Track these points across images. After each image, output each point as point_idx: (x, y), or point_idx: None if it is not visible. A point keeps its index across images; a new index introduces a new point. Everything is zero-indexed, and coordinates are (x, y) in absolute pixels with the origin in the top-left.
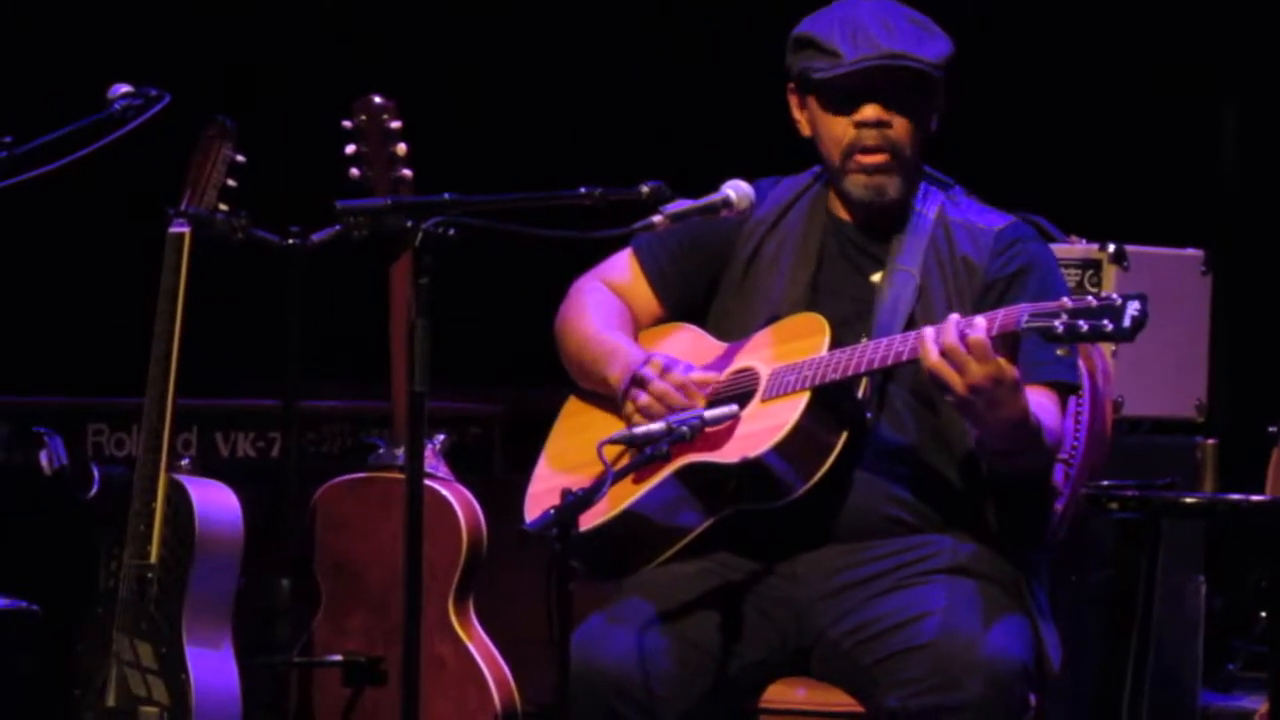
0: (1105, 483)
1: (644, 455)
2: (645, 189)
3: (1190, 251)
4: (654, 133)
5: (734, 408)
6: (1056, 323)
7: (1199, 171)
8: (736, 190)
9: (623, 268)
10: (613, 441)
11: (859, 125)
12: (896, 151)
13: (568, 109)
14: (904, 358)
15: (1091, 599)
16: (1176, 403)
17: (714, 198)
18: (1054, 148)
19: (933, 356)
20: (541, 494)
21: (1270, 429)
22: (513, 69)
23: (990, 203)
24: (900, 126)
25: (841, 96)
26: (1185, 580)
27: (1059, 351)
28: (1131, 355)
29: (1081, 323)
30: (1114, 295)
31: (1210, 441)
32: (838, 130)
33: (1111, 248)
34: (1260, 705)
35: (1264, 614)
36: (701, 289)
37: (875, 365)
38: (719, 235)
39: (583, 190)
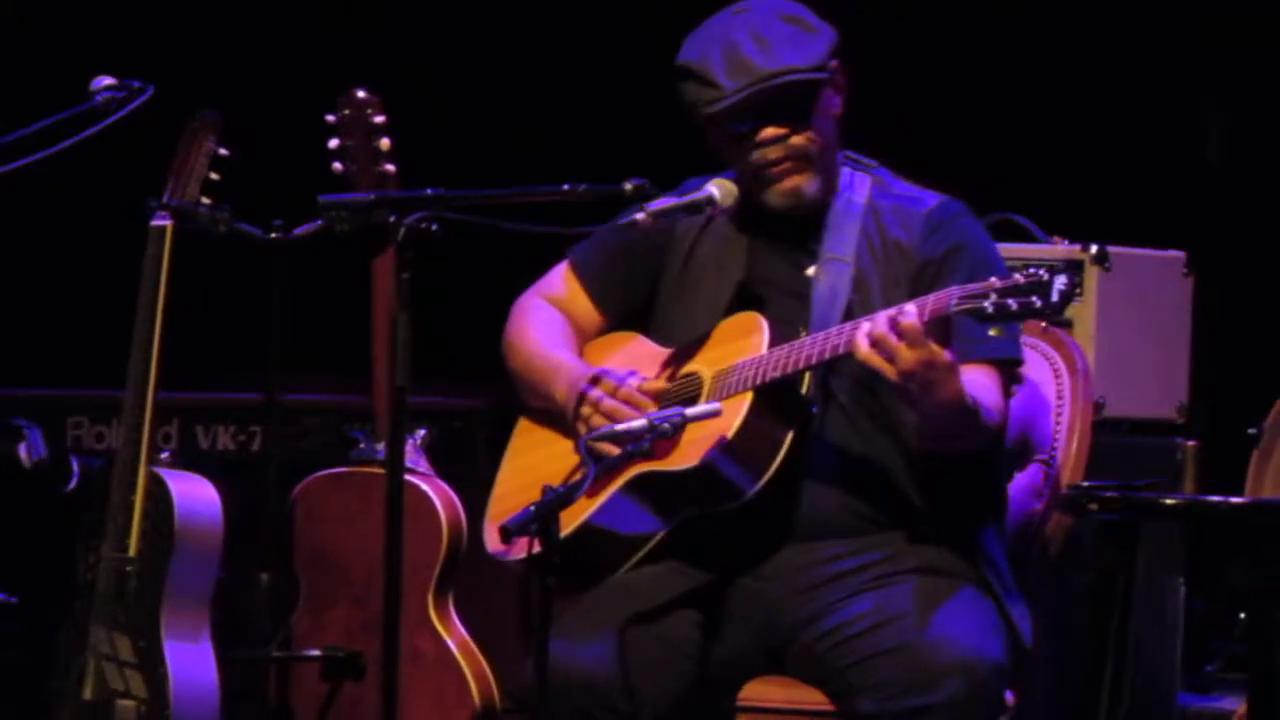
0: (1086, 483)
1: (626, 452)
2: (628, 186)
3: (1172, 253)
4: (639, 129)
5: (717, 405)
6: (986, 303)
7: (1181, 173)
8: (721, 188)
9: (560, 282)
10: (595, 438)
11: (759, 145)
12: (803, 155)
13: (552, 105)
14: (840, 350)
15: (1073, 599)
16: (1157, 404)
17: (698, 195)
18: (1036, 149)
19: (863, 348)
20: (500, 515)
21: (1251, 431)
22: (497, 64)
23: (973, 205)
24: (801, 134)
25: (735, 125)
26: (1165, 581)
27: (991, 332)
28: (1113, 356)
29: (1010, 301)
30: (1041, 271)
31: (1191, 443)
32: (741, 156)
33: (1094, 249)
34: (1239, 706)
35: (1243, 616)
36: (640, 295)
37: (814, 360)
38: (653, 241)
39: (566, 186)
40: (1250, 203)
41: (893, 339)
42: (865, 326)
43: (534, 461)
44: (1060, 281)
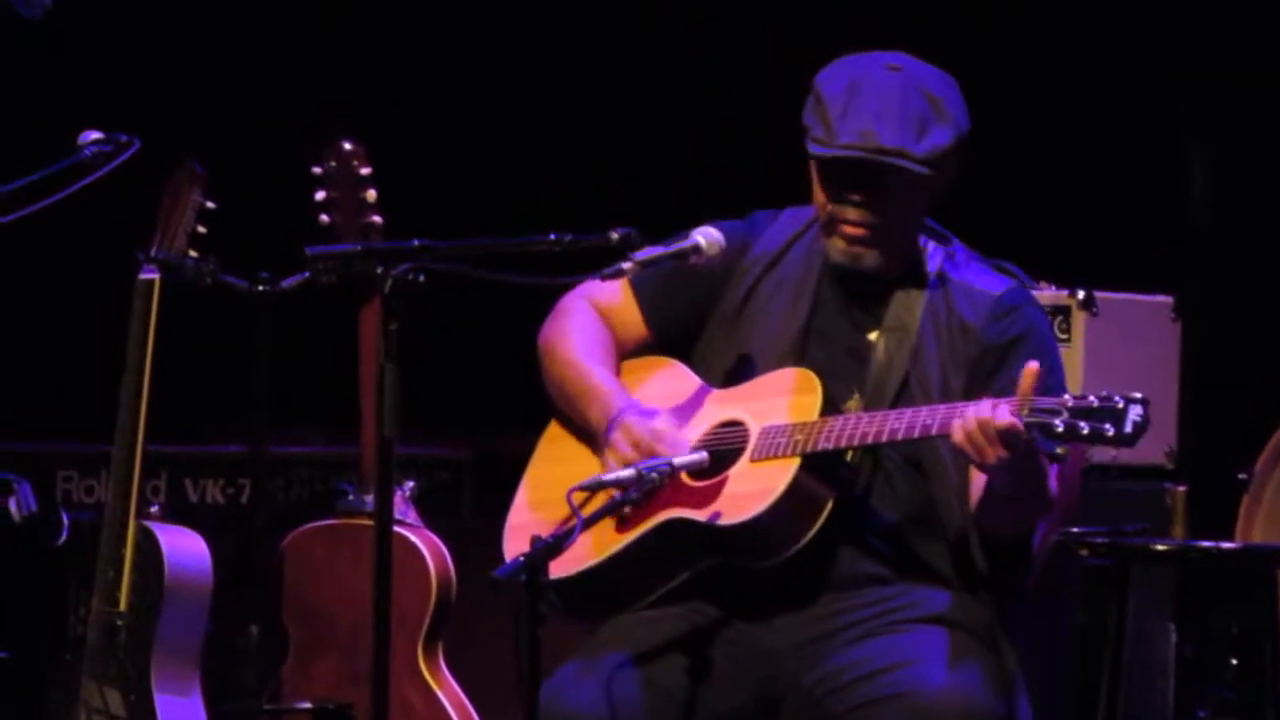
0: (1076, 529)
1: (614, 502)
2: (615, 235)
3: (1160, 298)
4: (626, 178)
5: (703, 455)
6: (1056, 421)
7: (1168, 217)
8: (706, 237)
9: (613, 289)
10: (583, 488)
11: (843, 201)
12: (879, 230)
13: (538, 155)
14: (898, 437)
15: (1063, 644)
16: (1147, 449)
17: (684, 244)
18: (1023, 194)
19: (958, 436)
20: (519, 526)
21: (1240, 476)
22: (484, 115)
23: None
24: (886, 215)
25: (830, 174)
26: (1155, 626)
27: (1058, 449)
28: None
29: (1081, 424)
30: (1116, 396)
31: (1181, 488)
32: (824, 197)
33: (1081, 294)
34: None
35: (1235, 661)
36: (692, 319)
37: (869, 440)
38: (715, 269)
39: (552, 236)
40: (1237, 246)
41: (980, 438)
42: (956, 423)
43: (557, 475)
44: (1135, 412)
